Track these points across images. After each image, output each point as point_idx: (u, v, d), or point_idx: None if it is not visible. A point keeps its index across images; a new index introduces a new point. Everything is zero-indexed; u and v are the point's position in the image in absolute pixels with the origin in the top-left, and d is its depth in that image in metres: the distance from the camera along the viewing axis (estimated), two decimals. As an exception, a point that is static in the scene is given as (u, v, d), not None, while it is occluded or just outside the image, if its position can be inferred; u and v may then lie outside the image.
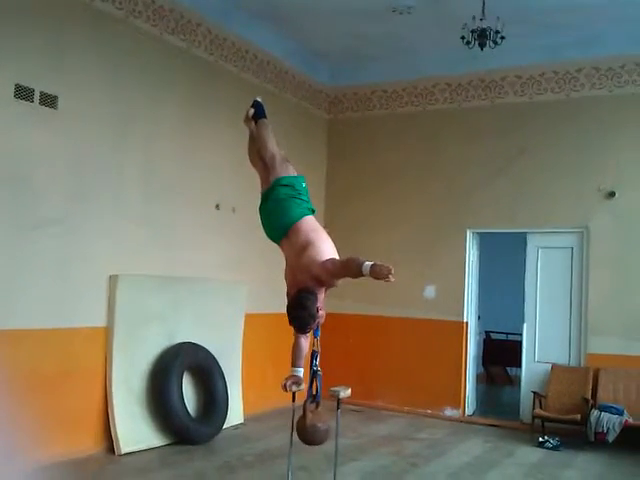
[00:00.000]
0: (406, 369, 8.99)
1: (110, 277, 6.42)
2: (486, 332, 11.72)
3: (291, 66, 8.98)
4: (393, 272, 3.81)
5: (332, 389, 4.87)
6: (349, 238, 9.25)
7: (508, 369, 11.81)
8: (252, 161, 4.78)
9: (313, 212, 4.40)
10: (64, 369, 5.97)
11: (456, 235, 8.92)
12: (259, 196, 7.98)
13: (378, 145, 9.48)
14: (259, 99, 4.81)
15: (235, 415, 7.57)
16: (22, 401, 5.49)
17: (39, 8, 5.75)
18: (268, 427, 7.49)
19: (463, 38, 7.07)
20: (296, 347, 4.40)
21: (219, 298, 7.52)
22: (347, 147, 9.69)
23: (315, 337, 4.40)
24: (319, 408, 4.31)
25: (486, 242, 9.48)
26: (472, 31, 7.01)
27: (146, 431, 6.50)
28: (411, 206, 9.20)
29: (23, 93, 5.60)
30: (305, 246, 4.16)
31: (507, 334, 11.27)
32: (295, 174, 4.47)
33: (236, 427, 7.54)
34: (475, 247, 9.05)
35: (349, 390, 4.88)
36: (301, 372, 4.47)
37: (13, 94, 5.53)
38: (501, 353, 11.35)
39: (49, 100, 5.83)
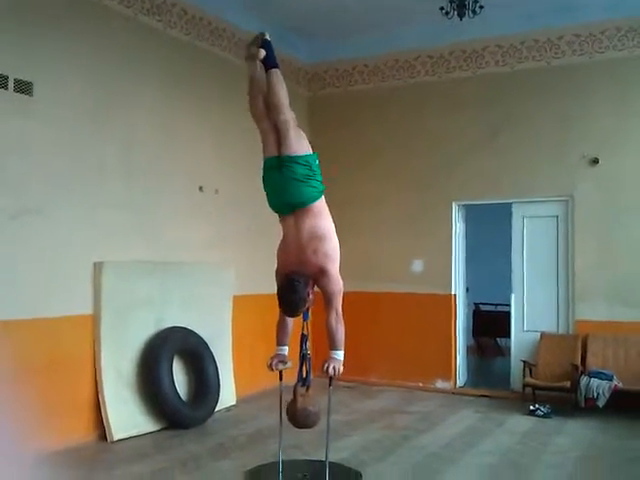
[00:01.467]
0: (397, 343, 9.02)
1: (95, 264, 6.37)
2: (475, 304, 11.76)
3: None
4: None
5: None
6: (336, 215, 9.19)
7: (498, 340, 11.89)
8: (254, 116, 4.30)
9: (322, 192, 4.27)
10: (52, 358, 5.93)
11: (442, 208, 8.91)
12: (242, 178, 8.09)
13: (361, 120, 9.41)
14: (268, 37, 4.26)
15: (227, 397, 7.57)
16: (11, 392, 5.49)
17: (8, -7, 5.63)
18: (260, 408, 7.49)
19: (442, 9, 7.00)
20: (281, 325, 4.40)
21: (206, 281, 7.48)
22: (329, 124, 9.60)
23: (304, 320, 4.36)
24: (309, 391, 4.28)
25: (472, 214, 9.47)
26: (451, 1, 6.95)
27: (138, 417, 6.49)
28: (396, 181, 9.16)
29: (-4, 81, 5.51)
30: (317, 236, 4.11)
31: (496, 305, 11.30)
32: (309, 149, 4.21)
33: (228, 409, 7.54)
34: (461, 219, 9.04)
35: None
36: (286, 350, 4.47)
37: (-14, 82, 5.44)
38: (491, 324, 11.38)
39: (24, 87, 5.72)
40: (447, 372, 8.81)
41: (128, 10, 6.76)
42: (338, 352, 4.21)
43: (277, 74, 4.21)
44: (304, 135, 4.26)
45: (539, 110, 8.32)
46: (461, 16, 6.97)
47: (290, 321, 4.41)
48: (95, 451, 6.02)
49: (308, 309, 4.25)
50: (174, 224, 7.25)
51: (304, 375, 4.33)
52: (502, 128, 8.50)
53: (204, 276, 7.49)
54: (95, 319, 6.34)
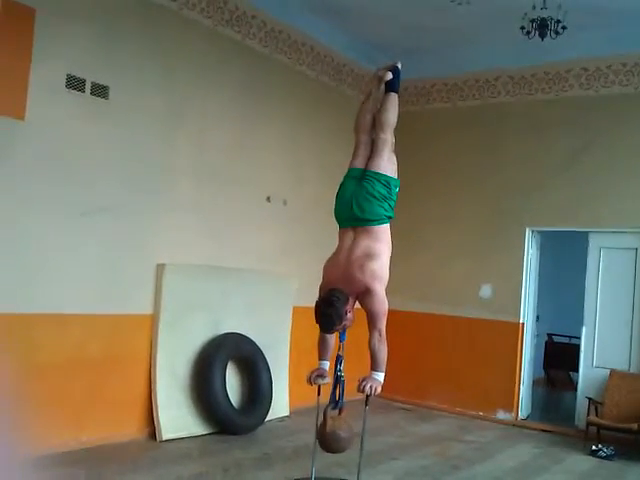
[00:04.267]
0: (459, 369, 8.79)
1: (158, 265, 6.52)
2: (548, 334, 11.33)
3: (349, 59, 8.89)
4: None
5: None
6: (406, 235, 9.14)
7: (571, 374, 11.38)
8: (357, 127, 4.52)
9: (391, 219, 4.32)
10: (110, 354, 6.10)
11: (515, 233, 8.64)
12: (311, 190, 8.12)
13: (437, 139, 9.29)
14: (399, 65, 4.55)
15: (280, 407, 7.57)
16: (67, 384, 5.66)
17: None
18: (312, 421, 7.33)
19: (523, 28, 6.85)
20: (321, 341, 4.36)
21: (267, 290, 7.53)
22: (406, 142, 9.34)
23: (340, 341, 4.30)
24: (342, 414, 4.20)
25: (547, 241, 9.16)
26: (532, 20, 6.78)
27: (188, 419, 6.58)
28: (469, 203, 8.96)
29: (75, 83, 5.74)
30: (372, 254, 4.09)
31: (570, 337, 10.83)
32: (395, 175, 4.35)
33: (281, 419, 7.54)
34: (535, 246, 8.73)
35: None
36: (327, 365, 4.43)
37: (65, 84, 5.67)
38: (563, 357, 10.90)
39: (100, 90, 5.94)
40: (509, 403, 8.49)
41: (208, 21, 6.93)
42: (378, 373, 4.12)
43: (395, 98, 4.42)
44: (395, 161, 4.38)
45: (622, 137, 7.95)
46: (542, 36, 6.79)
47: (331, 337, 4.36)
48: (142, 448, 6.13)
49: (345, 329, 4.17)
50: (239, 231, 7.34)
51: (337, 397, 4.23)
52: (583, 154, 8.17)
53: (266, 285, 7.54)
54: (154, 319, 6.48)
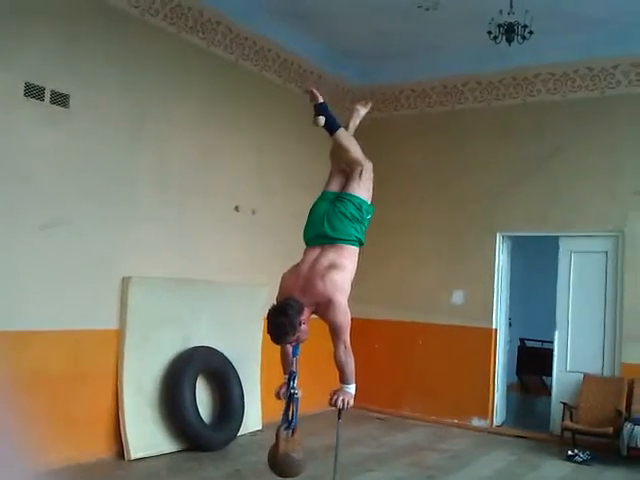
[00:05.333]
0: (433, 377, 8.71)
1: (123, 279, 6.33)
2: (520, 339, 11.32)
3: (316, 66, 8.80)
4: None
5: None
6: (375, 242, 8.99)
7: (545, 378, 11.38)
8: (332, 160, 4.46)
9: (361, 244, 4.21)
10: (74, 371, 5.89)
11: (485, 238, 8.61)
12: (280, 199, 8.00)
13: (406, 146, 9.24)
14: (320, 100, 4.13)
15: (252, 421, 7.41)
16: (30, 403, 5.44)
17: (51, 6, 5.69)
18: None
19: (490, 33, 6.81)
20: (284, 355, 4.18)
21: (237, 301, 7.37)
22: (373, 149, 9.25)
23: (293, 356, 4.11)
24: (295, 435, 3.99)
25: (518, 246, 9.15)
26: (499, 25, 6.74)
27: (157, 436, 6.38)
28: (439, 209, 8.92)
29: (33, 92, 5.55)
30: (336, 266, 3.97)
31: (542, 342, 10.83)
32: (370, 200, 4.26)
33: (253, 434, 7.37)
34: (505, 251, 8.71)
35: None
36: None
37: (23, 92, 5.47)
38: (536, 361, 10.88)
39: (60, 99, 5.76)
40: (484, 410, 8.43)
41: (171, 27, 6.78)
42: (349, 385, 3.99)
43: (341, 134, 4.21)
44: (370, 188, 4.27)
45: (590, 141, 7.97)
46: (509, 41, 6.76)
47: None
48: (111, 469, 5.92)
49: (298, 343, 4.01)
50: (207, 242, 7.18)
51: (290, 417, 4.04)
52: (551, 158, 8.18)
53: (235, 296, 7.38)
54: (120, 334, 6.28)
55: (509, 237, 8.70)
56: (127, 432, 6.16)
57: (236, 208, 7.59)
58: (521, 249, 9.45)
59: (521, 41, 6.67)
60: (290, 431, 3.93)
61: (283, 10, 7.65)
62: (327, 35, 8.33)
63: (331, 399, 3.97)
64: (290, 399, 4.01)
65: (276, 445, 3.89)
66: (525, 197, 8.32)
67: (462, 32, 7.93)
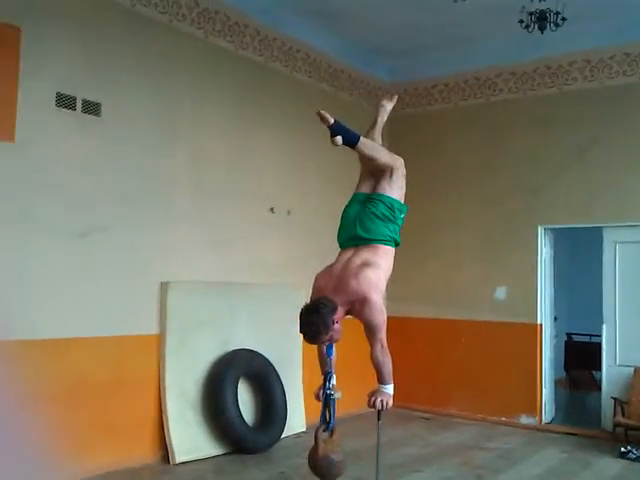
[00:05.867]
0: (478, 375, 8.54)
1: (161, 284, 6.35)
2: (567, 334, 11.05)
3: (346, 64, 8.72)
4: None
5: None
6: (415, 241, 8.94)
7: (594, 373, 11.08)
8: (360, 158, 4.42)
9: (397, 244, 4.15)
10: (116, 377, 5.92)
11: (527, 232, 8.40)
12: (315, 199, 7.95)
13: (441, 141, 9.10)
14: (331, 120, 4.00)
15: (296, 423, 7.35)
16: (73, 410, 5.48)
17: (79, 15, 5.75)
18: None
19: (522, 22, 6.67)
20: (321, 355, 4.12)
21: (275, 303, 7.32)
22: (409, 145, 9.26)
23: (328, 357, 4.04)
24: (334, 436, 3.91)
25: (562, 238, 8.93)
26: (530, 13, 6.60)
27: (201, 440, 6.37)
28: (478, 203, 8.75)
29: (65, 101, 5.60)
30: (370, 264, 3.91)
31: (590, 336, 10.54)
32: (402, 199, 4.20)
33: (297, 435, 7.31)
34: (548, 244, 8.49)
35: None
36: (333, 379, 4.20)
37: (55, 103, 5.53)
38: (585, 356, 10.60)
39: (92, 107, 5.81)
40: (532, 407, 8.22)
41: (199, 32, 6.80)
42: (387, 386, 3.90)
43: (363, 146, 4.12)
44: (402, 187, 4.20)
45: (631, 127, 7.73)
46: (542, 29, 6.61)
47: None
48: (156, 473, 5.95)
49: (332, 343, 3.93)
50: (243, 244, 7.17)
51: (328, 418, 3.96)
52: (591, 147, 7.96)
53: (273, 297, 7.34)
54: (161, 339, 6.30)
55: (551, 230, 8.49)
56: (171, 436, 6.16)
57: (271, 209, 7.56)
58: (564, 242, 9.24)
59: (554, 28, 6.52)
60: (329, 432, 3.86)
61: (310, 9, 7.61)
62: (356, 32, 8.25)
63: (369, 400, 3.91)
64: (327, 400, 3.96)
65: (315, 447, 3.83)
66: (566, 188, 8.11)
67: (493, 22, 7.77)
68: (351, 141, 4.05)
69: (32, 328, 5.33)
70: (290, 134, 7.85)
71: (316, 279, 4.07)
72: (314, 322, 3.66)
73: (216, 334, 6.67)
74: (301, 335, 3.79)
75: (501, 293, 8.58)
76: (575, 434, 7.76)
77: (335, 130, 4.00)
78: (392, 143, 9.17)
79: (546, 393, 8.33)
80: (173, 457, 6.12)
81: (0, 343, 5.06)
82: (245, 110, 7.31)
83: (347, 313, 3.87)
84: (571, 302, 10.65)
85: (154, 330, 6.28)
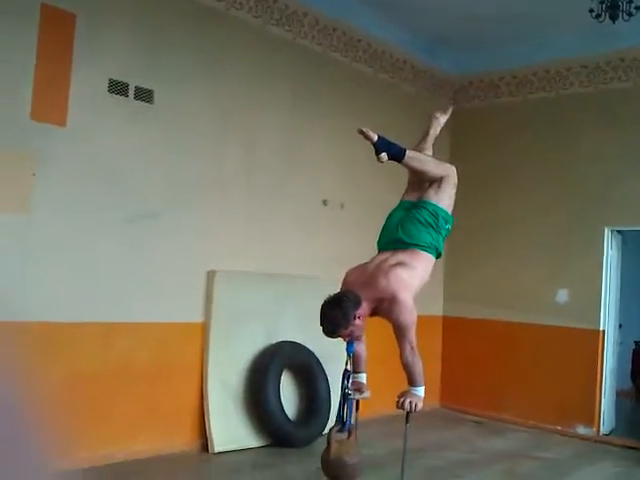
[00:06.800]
0: (534, 380, 8.22)
1: (208, 272, 6.35)
2: (635, 342, 10.54)
3: (409, 54, 8.50)
4: None
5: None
6: (473, 238, 8.71)
7: (664, 385, 10.55)
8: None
9: (438, 256, 4.05)
10: (160, 363, 5.96)
11: (592, 233, 8.01)
12: (369, 192, 7.79)
13: (506, 135, 8.77)
14: (375, 138, 3.97)
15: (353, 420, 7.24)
16: (116, 394, 5.56)
17: (134, 2, 5.78)
18: (374, 433, 7.05)
19: (592, 11, 6.32)
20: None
21: (322, 297, 7.19)
22: (473, 139, 9.05)
23: (348, 355, 3.93)
24: (351, 437, 3.78)
25: (631, 241, 8.49)
26: (601, 2, 6.25)
27: (241, 431, 6.36)
28: (542, 202, 8.39)
29: (117, 88, 5.64)
30: (404, 264, 3.79)
31: (661, 345, 10.07)
32: (450, 209, 4.12)
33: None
34: (615, 247, 8.07)
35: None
36: (363, 378, 4.10)
37: (107, 89, 5.59)
38: (654, 366, 10.14)
39: (144, 94, 5.83)
40: (590, 417, 7.85)
41: (256, 20, 6.74)
42: (417, 388, 3.76)
43: (411, 160, 4.06)
44: (451, 196, 4.11)
45: None
46: (614, 19, 6.25)
47: (359, 346, 4.05)
48: (195, 461, 5.97)
49: (352, 339, 3.81)
50: (294, 237, 7.10)
51: (344, 418, 3.83)
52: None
53: (320, 291, 7.17)
54: (205, 327, 6.31)
55: (619, 232, 8.06)
56: (211, 425, 6.17)
57: (324, 202, 7.46)
58: (634, 245, 8.77)
59: (627, 18, 6.15)
60: (345, 433, 3.75)
61: (372, -2, 7.44)
62: (420, 22, 8.01)
63: (398, 401, 3.79)
64: (344, 399, 3.85)
65: (328, 447, 3.73)
66: (636, 188, 7.67)
67: (564, 13, 7.40)
68: (397, 156, 3.98)
69: (78, 311, 5.43)
70: (347, 125, 7.68)
71: (347, 274, 3.98)
72: (334, 315, 3.59)
73: (261, 325, 6.63)
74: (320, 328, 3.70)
75: (563, 296, 8.22)
76: (636, 448, 7.36)
77: (380, 147, 3.95)
78: (455, 137, 8.99)
79: (605, 403, 7.93)
80: (212, 446, 6.13)
81: (47, 324, 5.21)
82: (301, 100, 7.22)
83: (374, 313, 3.76)
84: (638, 310, 10.14)
85: (199, 318, 6.30)
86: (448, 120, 4.78)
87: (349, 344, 3.87)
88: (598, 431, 7.83)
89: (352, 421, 3.86)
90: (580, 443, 7.58)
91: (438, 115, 4.54)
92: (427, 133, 4.49)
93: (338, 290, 3.93)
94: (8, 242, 5.00)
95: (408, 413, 3.83)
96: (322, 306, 3.68)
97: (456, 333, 9.02)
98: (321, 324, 3.67)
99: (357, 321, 3.63)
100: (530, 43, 8.22)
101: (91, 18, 5.45)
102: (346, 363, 3.98)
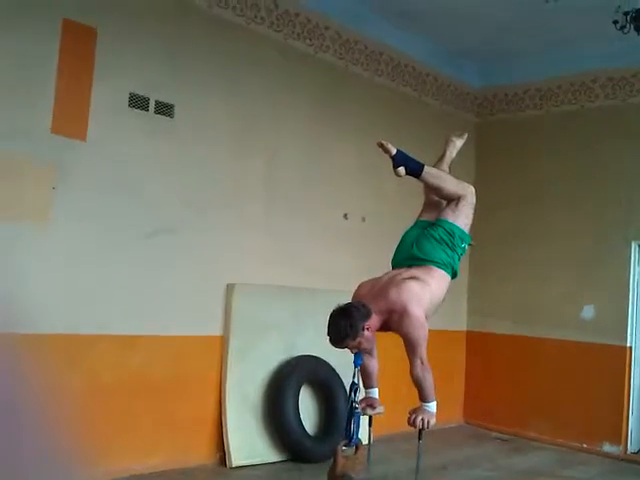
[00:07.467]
0: (560, 396, 8.05)
1: (227, 285, 6.36)
2: (666, 359, 10.28)
3: (431, 67, 8.46)
4: None
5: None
6: (497, 252, 8.60)
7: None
8: (425, 188, 4.36)
9: (454, 276, 3.99)
10: (178, 376, 5.96)
11: (619, 248, 7.85)
12: (390, 206, 7.74)
13: (531, 149, 8.66)
14: (393, 151, 3.95)
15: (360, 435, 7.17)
16: (134, 406, 5.57)
17: (154, 16, 5.83)
18: (395, 450, 6.98)
19: (616, 22, 6.23)
20: (361, 367, 3.96)
21: (343, 311, 7.17)
22: (497, 152, 8.96)
23: (355, 366, 3.86)
24: (358, 453, 3.70)
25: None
26: (625, 13, 6.16)
27: (260, 445, 6.32)
28: (567, 216, 8.25)
29: (138, 102, 5.69)
30: (417, 278, 3.75)
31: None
32: (465, 228, 4.05)
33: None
34: (642, 261, 7.92)
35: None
36: (375, 393, 4.04)
37: (128, 103, 5.64)
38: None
39: (165, 109, 5.88)
40: (617, 435, 7.67)
41: (278, 34, 6.76)
42: (429, 404, 3.70)
43: (429, 176, 4.01)
44: (469, 216, 4.06)
45: None
46: (638, 30, 6.16)
47: (371, 361, 3.99)
48: (211, 474, 5.95)
49: (360, 351, 3.75)
50: (313, 250, 7.07)
51: (352, 433, 3.76)
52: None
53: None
54: (224, 341, 6.31)
55: (646, 246, 7.91)
56: (229, 439, 6.15)
57: (345, 215, 7.43)
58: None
59: (652, 29, 6.06)
60: (352, 448, 3.69)
61: (394, 11, 7.42)
62: (442, 35, 7.98)
63: (409, 418, 3.72)
64: (351, 414, 3.79)
65: (334, 463, 3.66)
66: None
67: (589, 25, 7.29)
68: (415, 171, 3.95)
69: (97, 323, 5.46)
70: (369, 139, 7.62)
71: (358, 287, 3.94)
72: (342, 324, 3.53)
73: (281, 339, 6.61)
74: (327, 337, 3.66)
75: (589, 312, 8.06)
76: (663, 468, 7.18)
77: (398, 160, 3.92)
78: (480, 149, 8.91)
79: (633, 420, 7.74)
80: (230, 460, 6.10)
81: (65, 336, 5.25)
82: (323, 114, 7.21)
83: (384, 326, 3.71)
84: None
85: (218, 332, 6.29)
86: (470, 136, 4.75)
87: (357, 356, 3.82)
88: (625, 449, 7.64)
89: (359, 436, 3.79)
90: (606, 461, 7.41)
91: (454, 138, 4.50)
92: (444, 154, 4.46)
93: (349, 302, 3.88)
94: (28, 254, 5.04)
95: (420, 430, 3.75)
96: (330, 315, 3.64)
97: (480, 348, 8.90)
98: (328, 333, 3.62)
99: (366, 332, 3.58)
100: (554, 55, 8.13)
101: (112, 32, 5.51)
102: (353, 376, 3.93)
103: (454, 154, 4.49)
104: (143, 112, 5.74)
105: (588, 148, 8.14)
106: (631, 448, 7.70)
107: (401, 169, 3.93)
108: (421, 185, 4.25)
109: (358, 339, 3.56)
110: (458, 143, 4.49)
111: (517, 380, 8.50)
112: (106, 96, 5.48)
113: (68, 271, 5.29)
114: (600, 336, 7.86)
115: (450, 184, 4.06)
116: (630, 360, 7.75)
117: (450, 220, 3.98)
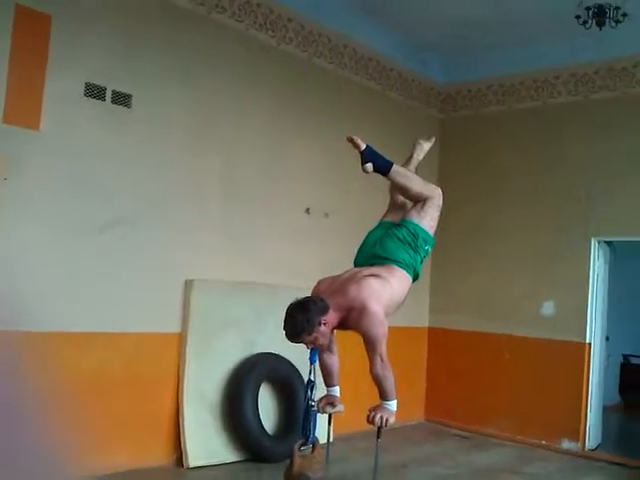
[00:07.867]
0: (519, 393, 8.09)
1: (186, 282, 6.20)
2: (624, 356, 10.44)
3: (396, 62, 8.38)
4: None
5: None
6: (459, 247, 8.59)
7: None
8: (390, 189, 4.30)
9: (416, 278, 3.92)
10: (135, 375, 5.79)
11: (579, 244, 7.89)
12: (354, 202, 7.66)
13: (493, 144, 8.67)
14: (363, 146, 3.89)
15: (319, 433, 7.08)
16: (89, 406, 5.39)
17: (112, 4, 5.64)
18: (355, 448, 6.92)
19: (579, 17, 6.28)
20: (321, 365, 3.88)
21: (304, 307, 7.08)
22: (460, 148, 8.95)
23: (311, 363, 3.79)
24: (315, 452, 3.62)
25: (618, 252, 8.37)
26: (587, 8, 6.18)
27: (218, 445, 6.19)
28: (528, 212, 8.27)
29: (94, 91, 5.50)
30: (378, 275, 3.67)
31: (649, 358, 9.98)
32: (429, 231, 3.99)
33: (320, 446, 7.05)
34: (602, 258, 7.97)
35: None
36: (336, 391, 3.96)
37: (83, 92, 5.44)
38: (642, 380, 10.05)
39: (122, 99, 5.69)
40: (575, 431, 7.72)
41: (239, 24, 6.61)
42: (389, 402, 3.63)
43: (396, 175, 3.94)
44: (434, 218, 4.00)
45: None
46: (600, 25, 6.23)
47: (330, 358, 3.91)
48: (168, 475, 5.81)
49: (316, 347, 3.68)
50: (274, 246, 6.95)
51: (308, 432, 3.68)
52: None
53: (302, 302, 7.09)
54: (182, 338, 6.15)
55: (606, 243, 7.96)
56: (187, 439, 6.01)
57: (307, 210, 7.33)
58: (622, 256, 8.67)
59: (614, 25, 6.12)
60: (309, 448, 3.62)
61: (358, 3, 7.34)
62: (407, 29, 7.92)
63: (369, 416, 3.65)
64: (307, 412, 3.72)
65: (291, 463, 3.59)
66: (625, 199, 7.56)
67: (552, 21, 7.30)
68: (383, 168, 3.87)
69: (51, 320, 5.24)
70: (332, 134, 7.58)
71: (318, 283, 3.87)
72: (298, 318, 3.45)
73: (240, 336, 6.48)
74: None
75: (548, 308, 8.10)
76: (622, 464, 7.23)
77: (367, 156, 3.85)
78: (443, 146, 8.87)
79: (591, 417, 7.80)
80: (187, 461, 5.96)
81: (21, 334, 5.05)
82: (284, 107, 7.09)
83: (343, 324, 3.62)
84: (630, 322, 10.05)
85: (176, 329, 6.14)
86: (437, 128, 4.69)
87: (312, 352, 3.74)
88: (583, 446, 7.70)
89: (316, 435, 3.71)
90: (565, 458, 7.46)
91: (422, 141, 4.46)
92: (411, 156, 4.41)
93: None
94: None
95: (379, 428, 3.69)
96: (288, 308, 3.55)
97: (442, 345, 8.89)
98: (284, 327, 3.53)
99: (322, 328, 3.50)
100: (518, 51, 8.13)
101: (68, 20, 5.31)
102: (309, 372, 3.84)
103: (421, 157, 4.44)
104: (99, 102, 5.54)
105: (549, 144, 8.17)
106: (589, 444, 7.76)
107: (369, 165, 3.86)
108: (385, 181, 4.18)
109: (314, 334, 3.49)
110: (425, 146, 4.44)
111: (477, 377, 8.51)
112: (61, 85, 5.28)
113: (20, 265, 5.07)
114: (560, 333, 7.90)
115: (417, 185, 4.00)
116: (589, 357, 7.80)
117: (415, 221, 3.93)
